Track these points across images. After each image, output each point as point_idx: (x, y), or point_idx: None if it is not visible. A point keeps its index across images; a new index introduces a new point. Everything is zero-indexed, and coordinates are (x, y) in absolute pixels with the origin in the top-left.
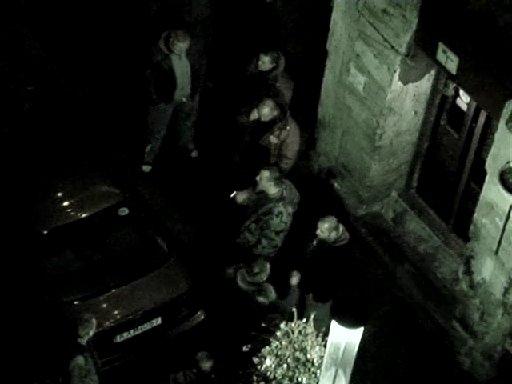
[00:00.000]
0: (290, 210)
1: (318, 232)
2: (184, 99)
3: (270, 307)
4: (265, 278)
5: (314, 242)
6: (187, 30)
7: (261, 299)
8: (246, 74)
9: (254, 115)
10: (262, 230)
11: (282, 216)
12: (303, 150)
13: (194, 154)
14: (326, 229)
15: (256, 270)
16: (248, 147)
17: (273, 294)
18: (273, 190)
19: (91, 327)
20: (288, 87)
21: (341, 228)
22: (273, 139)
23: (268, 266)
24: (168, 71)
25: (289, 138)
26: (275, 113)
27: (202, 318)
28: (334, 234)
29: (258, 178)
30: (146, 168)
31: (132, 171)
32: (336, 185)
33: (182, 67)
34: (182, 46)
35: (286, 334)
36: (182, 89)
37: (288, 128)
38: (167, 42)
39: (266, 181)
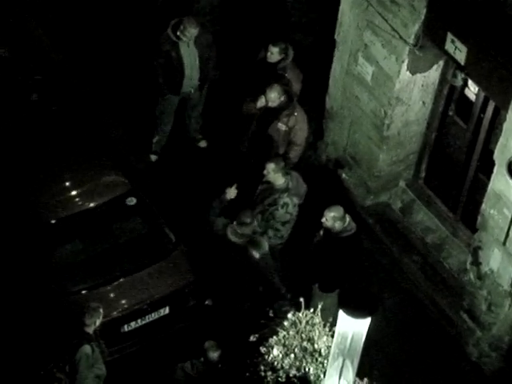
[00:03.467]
0: (296, 201)
1: (323, 220)
2: (192, 90)
3: (261, 263)
4: (252, 230)
5: (321, 232)
6: (196, 18)
7: (253, 251)
8: (255, 64)
9: (261, 102)
10: (267, 220)
11: (288, 207)
12: (311, 141)
13: (203, 143)
14: (331, 218)
15: (245, 219)
16: (255, 136)
17: (265, 246)
18: (280, 180)
19: (98, 316)
20: (297, 78)
21: (347, 219)
22: (281, 126)
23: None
24: (176, 59)
25: (297, 124)
26: (282, 98)
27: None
28: (339, 224)
29: (265, 172)
30: (153, 157)
31: (139, 161)
32: (344, 175)
33: (190, 56)
34: (192, 31)
35: (294, 323)
36: (191, 79)
37: (296, 114)
38: (175, 30)
39: (274, 173)
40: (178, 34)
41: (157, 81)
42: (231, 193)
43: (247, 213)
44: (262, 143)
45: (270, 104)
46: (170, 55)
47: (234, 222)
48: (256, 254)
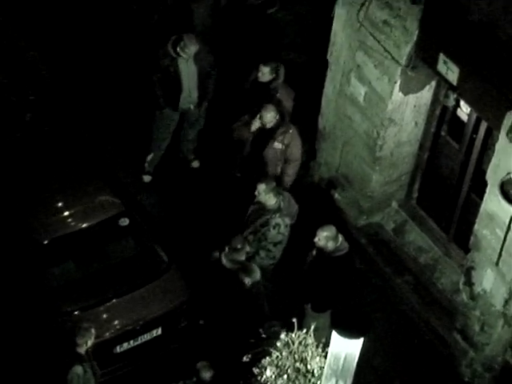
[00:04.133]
0: (288, 221)
1: (316, 240)
2: (192, 106)
3: (254, 290)
4: (244, 257)
5: (314, 252)
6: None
7: (245, 278)
8: (247, 84)
9: (256, 124)
10: (259, 241)
11: (280, 228)
12: (304, 160)
13: (196, 164)
14: (324, 237)
15: (236, 245)
16: (250, 159)
17: (257, 275)
18: (272, 200)
19: (90, 336)
20: (288, 97)
21: (340, 238)
22: (277, 145)
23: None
24: (174, 75)
25: (292, 141)
26: (277, 117)
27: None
28: (331, 244)
29: (256, 192)
30: (147, 178)
31: (133, 181)
32: (336, 195)
33: (188, 72)
34: (192, 49)
35: (287, 344)
36: (189, 95)
37: (291, 131)
38: (175, 46)
39: (265, 193)
40: (178, 50)
41: (154, 95)
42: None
43: (238, 238)
44: (259, 165)
45: (267, 125)
46: (168, 70)
47: (226, 248)
48: (248, 282)
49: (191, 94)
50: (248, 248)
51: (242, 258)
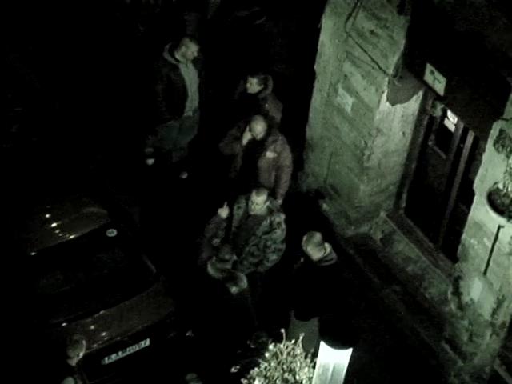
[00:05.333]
0: (283, 215)
1: (302, 245)
2: (191, 113)
3: (240, 299)
4: (230, 266)
5: (302, 259)
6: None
7: (231, 287)
8: (235, 96)
9: (247, 137)
10: (265, 248)
11: (282, 224)
12: (292, 170)
13: (184, 175)
14: (306, 242)
15: (224, 256)
16: (243, 172)
17: (244, 284)
18: (264, 209)
19: (81, 348)
20: (277, 108)
21: (328, 248)
22: (270, 154)
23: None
24: (178, 81)
25: (283, 148)
26: (266, 127)
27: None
28: (316, 251)
29: (254, 205)
30: (150, 161)
31: (120, 191)
32: (324, 205)
33: (190, 76)
34: (195, 49)
35: (275, 355)
36: (192, 100)
37: (280, 138)
38: (172, 52)
39: (264, 203)
40: (177, 56)
41: (157, 108)
42: (224, 212)
43: (227, 249)
44: (253, 176)
45: (258, 136)
46: (170, 79)
47: (214, 258)
48: (234, 290)
49: (193, 99)
50: (235, 257)
51: (229, 267)
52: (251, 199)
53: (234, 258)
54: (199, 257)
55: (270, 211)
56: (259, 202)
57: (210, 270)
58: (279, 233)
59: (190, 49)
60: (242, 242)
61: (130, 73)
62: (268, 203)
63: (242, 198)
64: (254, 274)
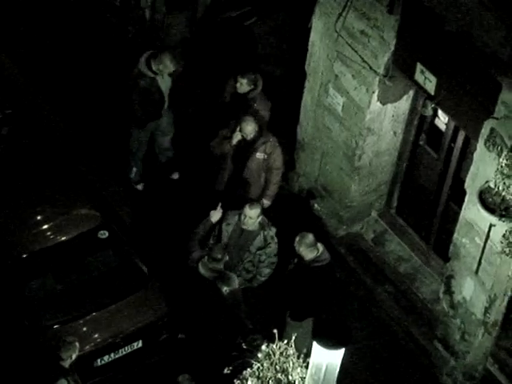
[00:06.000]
0: (274, 228)
1: (295, 246)
2: (165, 113)
3: (230, 299)
4: (222, 266)
5: (295, 260)
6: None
7: (223, 286)
8: (224, 96)
9: (237, 137)
10: (259, 262)
11: (275, 238)
12: (283, 172)
13: (175, 175)
14: (298, 242)
15: (217, 255)
16: (233, 172)
17: (235, 283)
18: (256, 224)
19: (74, 350)
20: (266, 108)
21: (321, 248)
22: (260, 155)
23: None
24: (156, 93)
25: (274, 149)
26: (257, 128)
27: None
28: (308, 252)
29: (247, 219)
30: (140, 186)
31: (111, 193)
32: (316, 205)
33: (167, 85)
34: (172, 69)
35: (268, 355)
36: (166, 103)
37: (271, 140)
38: (149, 64)
39: (257, 218)
40: (155, 68)
41: (133, 114)
42: (216, 215)
43: (218, 248)
44: (242, 177)
45: (249, 137)
46: (147, 90)
47: (206, 257)
48: (225, 290)
49: (167, 102)
50: (227, 257)
51: (221, 267)
52: (244, 213)
53: (226, 258)
54: (190, 257)
55: (262, 226)
56: (253, 215)
57: (202, 269)
58: (273, 247)
59: (168, 68)
60: (236, 259)
61: (120, 74)
62: (260, 217)
63: (231, 213)
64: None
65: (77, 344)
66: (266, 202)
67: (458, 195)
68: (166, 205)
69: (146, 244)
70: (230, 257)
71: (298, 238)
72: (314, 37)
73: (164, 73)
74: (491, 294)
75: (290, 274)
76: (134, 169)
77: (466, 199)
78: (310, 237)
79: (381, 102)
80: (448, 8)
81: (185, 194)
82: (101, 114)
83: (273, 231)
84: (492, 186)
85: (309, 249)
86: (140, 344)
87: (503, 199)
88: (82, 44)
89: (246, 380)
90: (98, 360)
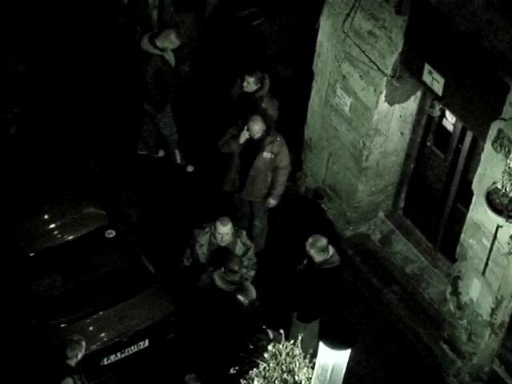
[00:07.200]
0: (243, 231)
1: (307, 247)
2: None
3: (249, 309)
4: (240, 276)
5: (304, 261)
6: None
7: (241, 297)
8: (232, 95)
9: (244, 136)
10: (244, 268)
11: (248, 239)
12: (290, 172)
13: (190, 168)
14: (310, 245)
15: (234, 267)
16: (240, 171)
17: (253, 294)
18: (232, 235)
19: (80, 349)
20: (273, 107)
21: (331, 251)
22: (267, 155)
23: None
24: (168, 69)
25: (281, 149)
26: (264, 127)
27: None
28: (320, 255)
29: (222, 237)
30: (190, 168)
31: (119, 192)
32: (323, 206)
33: (172, 61)
34: (177, 45)
35: (274, 355)
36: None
37: (278, 139)
38: (153, 42)
39: (231, 230)
40: (161, 46)
41: (151, 98)
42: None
43: (235, 260)
44: (249, 175)
45: (256, 136)
46: (160, 69)
47: (222, 269)
48: (245, 301)
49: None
50: (244, 270)
51: (237, 278)
52: (218, 232)
53: (243, 270)
54: (200, 279)
55: (236, 234)
56: (228, 231)
57: (219, 282)
58: (252, 248)
59: (174, 44)
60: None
61: (128, 73)
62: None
63: (198, 233)
64: None
65: (83, 343)
66: (272, 202)
67: (466, 196)
68: (173, 205)
69: (153, 243)
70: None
71: (310, 240)
72: (321, 37)
73: (169, 49)
74: (498, 295)
75: (299, 275)
76: (177, 152)
77: (473, 200)
78: (323, 240)
79: (388, 103)
80: (456, 8)
81: (192, 194)
82: (108, 114)
83: (244, 233)
84: (499, 187)
85: (319, 251)
86: (146, 343)
87: (510, 200)
88: (90, 43)
89: (252, 380)
90: (105, 359)
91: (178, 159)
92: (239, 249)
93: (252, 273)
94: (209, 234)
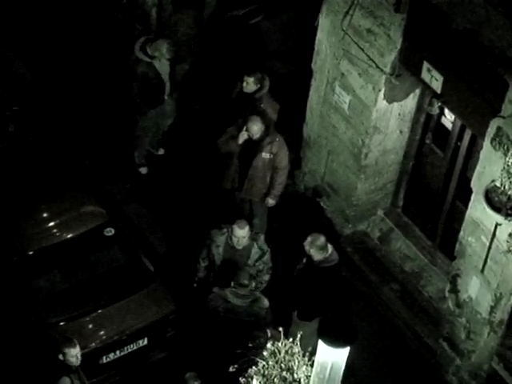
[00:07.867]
0: (261, 235)
1: (305, 247)
2: (167, 98)
3: (265, 318)
4: (253, 285)
5: (304, 260)
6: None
7: (257, 308)
8: (232, 95)
9: (243, 137)
10: (259, 272)
11: (265, 243)
12: (289, 170)
13: (161, 151)
14: (309, 244)
15: (244, 281)
16: (239, 171)
17: (266, 302)
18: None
19: (74, 348)
20: (273, 108)
21: (330, 249)
22: (266, 155)
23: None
24: (154, 77)
25: (280, 149)
26: (263, 128)
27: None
28: (319, 253)
29: (239, 241)
30: (143, 170)
31: (118, 190)
32: (322, 204)
33: (164, 69)
34: (168, 54)
35: (273, 353)
36: (167, 88)
37: (277, 139)
38: (144, 49)
39: (248, 233)
40: (150, 52)
41: (134, 102)
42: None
43: (245, 274)
44: (248, 175)
45: (254, 137)
46: (146, 76)
47: (232, 284)
48: (262, 311)
49: (167, 87)
50: (253, 284)
51: (248, 292)
52: (235, 235)
53: (253, 284)
54: (209, 300)
55: (253, 237)
56: (245, 234)
57: (233, 299)
58: (268, 252)
59: (163, 56)
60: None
61: (126, 72)
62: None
63: (215, 234)
64: None
65: (75, 342)
66: (271, 202)
67: (464, 194)
68: (172, 203)
69: (152, 241)
70: (227, 275)
71: (309, 239)
72: (320, 35)
73: (160, 56)
74: (497, 293)
75: (299, 274)
76: (137, 150)
77: (472, 198)
78: (322, 239)
79: (387, 101)
80: (455, 6)
81: (191, 192)
82: (106, 111)
83: (262, 237)
84: (498, 184)
85: (319, 251)
86: (145, 341)
87: (509, 198)
88: (89, 41)
89: (252, 378)
90: (104, 357)
91: (136, 161)
92: (255, 252)
93: (267, 277)
94: (226, 236)
